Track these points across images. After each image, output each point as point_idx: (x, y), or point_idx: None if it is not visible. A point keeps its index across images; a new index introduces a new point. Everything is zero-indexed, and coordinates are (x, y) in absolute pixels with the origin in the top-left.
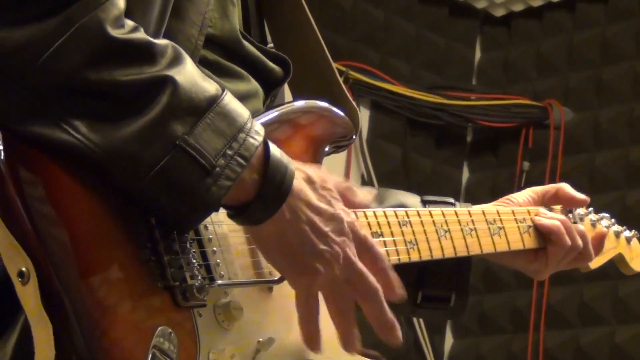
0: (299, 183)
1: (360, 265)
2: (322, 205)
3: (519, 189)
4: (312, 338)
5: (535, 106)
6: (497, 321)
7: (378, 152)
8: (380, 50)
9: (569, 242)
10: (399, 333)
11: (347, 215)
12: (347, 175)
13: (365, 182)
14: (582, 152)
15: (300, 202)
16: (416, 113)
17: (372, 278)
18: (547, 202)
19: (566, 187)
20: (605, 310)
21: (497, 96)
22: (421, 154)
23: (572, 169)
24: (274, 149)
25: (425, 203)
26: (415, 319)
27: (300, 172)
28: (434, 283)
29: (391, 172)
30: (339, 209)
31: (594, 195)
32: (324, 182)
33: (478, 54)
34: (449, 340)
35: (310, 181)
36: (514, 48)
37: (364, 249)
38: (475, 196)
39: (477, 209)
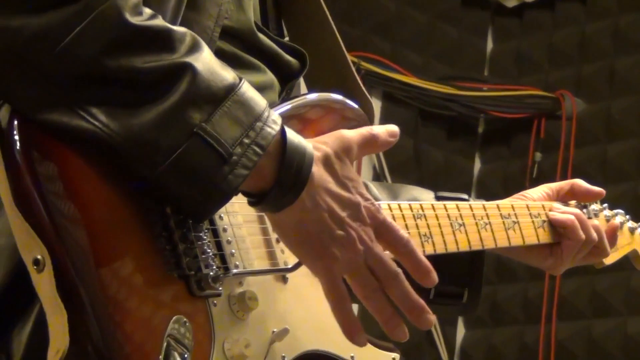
0: (318, 170)
1: (378, 249)
2: (341, 191)
3: (531, 179)
4: (349, 326)
5: (547, 97)
6: (510, 312)
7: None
8: (392, 41)
9: (583, 236)
10: (430, 316)
11: (365, 199)
12: (358, 166)
13: (377, 173)
14: (594, 143)
15: (320, 189)
16: (428, 104)
17: (390, 262)
18: (562, 198)
19: (580, 182)
20: (618, 301)
21: (509, 87)
22: (433, 145)
23: (584, 160)
24: (292, 136)
25: (439, 199)
26: None
27: (319, 154)
28: (447, 279)
29: (403, 163)
30: (357, 193)
31: (606, 186)
32: (343, 160)
33: (490, 45)
34: (461, 331)
35: (329, 164)
36: (526, 39)
37: (384, 232)
38: (487, 187)
39: (491, 203)
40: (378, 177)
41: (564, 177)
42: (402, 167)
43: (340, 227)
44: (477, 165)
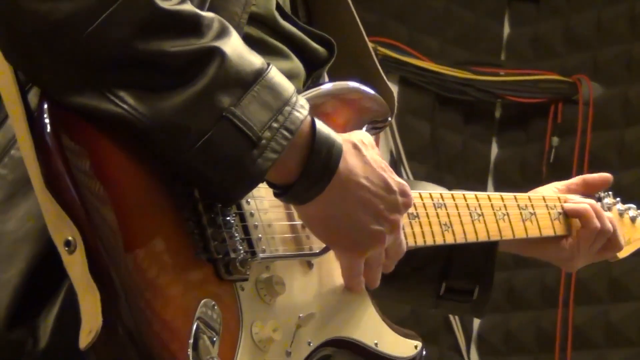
0: (347, 163)
1: (402, 236)
2: (375, 181)
3: (548, 164)
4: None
5: (564, 82)
6: (527, 297)
7: (406, 128)
8: (408, 26)
9: (598, 224)
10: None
11: (400, 187)
12: None
13: (394, 158)
14: (611, 127)
15: (350, 183)
16: (445, 89)
17: (405, 245)
18: (572, 192)
19: (588, 175)
20: (635, 286)
21: (526, 71)
22: (450, 130)
23: (601, 145)
24: (321, 126)
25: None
26: None
27: (350, 145)
28: (459, 275)
29: (420, 148)
30: (394, 182)
31: (623, 170)
32: (373, 147)
33: (507, 29)
34: None
35: (360, 154)
36: (543, 23)
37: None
38: (504, 172)
39: (509, 195)
40: (395, 162)
41: (581, 162)
42: (419, 152)
43: (376, 221)
44: (494, 150)
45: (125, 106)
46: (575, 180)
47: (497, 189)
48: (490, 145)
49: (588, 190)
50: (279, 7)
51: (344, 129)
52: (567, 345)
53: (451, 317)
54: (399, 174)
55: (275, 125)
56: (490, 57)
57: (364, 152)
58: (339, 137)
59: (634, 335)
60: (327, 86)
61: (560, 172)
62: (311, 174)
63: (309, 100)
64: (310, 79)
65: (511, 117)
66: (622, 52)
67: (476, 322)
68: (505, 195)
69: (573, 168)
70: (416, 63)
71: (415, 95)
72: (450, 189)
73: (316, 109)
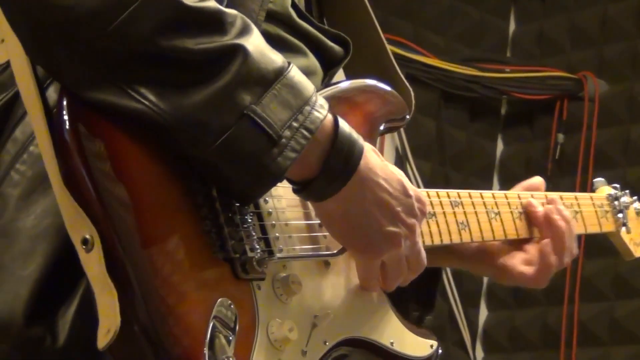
0: (368, 161)
1: (421, 245)
2: (394, 184)
3: (553, 161)
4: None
5: (569, 78)
6: (532, 293)
7: (412, 125)
8: (414, 23)
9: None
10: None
11: (416, 193)
12: (381, 148)
13: (400, 155)
14: (617, 124)
15: (369, 181)
16: (450, 85)
17: (425, 257)
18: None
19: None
20: None
21: (531, 68)
22: (455, 127)
23: (606, 142)
24: (343, 124)
25: None
26: (449, 291)
27: (369, 146)
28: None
29: (425, 144)
30: (410, 188)
31: (629, 167)
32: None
33: (512, 26)
34: (483, 313)
35: (380, 157)
36: (549, 20)
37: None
38: (509, 169)
39: (525, 193)
40: (401, 158)
41: (586, 159)
42: (425, 148)
43: (393, 222)
44: (500, 146)
45: (146, 102)
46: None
47: (503, 185)
48: (496, 142)
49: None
50: (294, 5)
51: (362, 126)
52: (572, 342)
53: (456, 313)
54: (405, 171)
55: (295, 124)
56: (496, 54)
57: (381, 157)
58: (360, 137)
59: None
60: (345, 84)
61: (565, 168)
62: (332, 170)
63: (328, 97)
64: (327, 77)
65: (517, 113)
66: (627, 48)
67: (482, 318)
68: (522, 193)
69: (578, 165)
70: (422, 60)
71: (420, 92)
72: (455, 186)
73: (335, 107)
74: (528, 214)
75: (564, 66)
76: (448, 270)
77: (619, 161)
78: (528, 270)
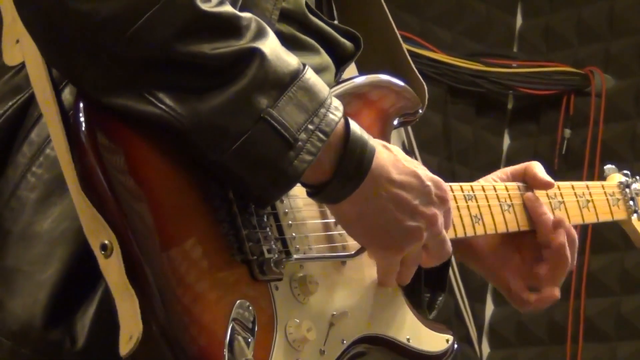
0: (379, 160)
1: (444, 233)
2: (408, 177)
3: (560, 156)
4: None
5: (576, 73)
6: None
7: (419, 120)
8: (421, 18)
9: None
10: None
11: (433, 181)
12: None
13: (406, 150)
14: (624, 119)
15: (382, 179)
16: (457, 80)
17: (449, 245)
18: (518, 180)
19: (534, 166)
20: None
21: (538, 63)
22: (462, 122)
23: (613, 137)
24: (354, 126)
25: None
26: (456, 286)
27: (381, 146)
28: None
29: (432, 139)
30: (426, 177)
31: (636, 162)
32: (404, 154)
33: (519, 21)
34: (489, 308)
35: (391, 153)
36: (555, 15)
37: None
38: (516, 164)
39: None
40: (407, 153)
41: (593, 154)
42: (431, 143)
43: (412, 217)
44: (506, 141)
45: (163, 107)
46: (521, 169)
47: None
48: (503, 137)
49: (529, 184)
50: (306, 3)
51: (376, 122)
52: (578, 337)
53: (462, 308)
54: None
55: (310, 127)
56: (503, 49)
57: (394, 151)
58: (371, 138)
59: None
60: (360, 80)
61: (572, 163)
62: (345, 172)
63: (342, 94)
64: (339, 73)
65: (523, 108)
66: (634, 43)
67: (488, 313)
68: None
69: (585, 160)
70: (428, 55)
71: (427, 87)
72: (462, 181)
73: (354, 98)
74: (535, 216)
75: (571, 61)
76: (454, 265)
77: (626, 156)
78: (531, 298)
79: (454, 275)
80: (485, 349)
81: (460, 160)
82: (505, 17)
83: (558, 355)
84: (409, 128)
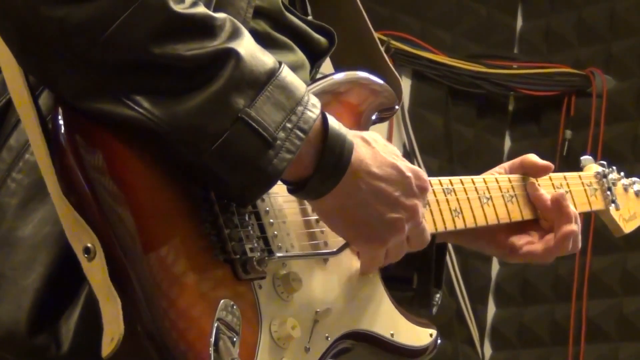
0: (358, 154)
1: (424, 223)
2: (387, 169)
3: (561, 157)
4: None
5: (577, 74)
6: (540, 290)
7: (419, 121)
8: (421, 19)
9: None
10: None
11: (413, 172)
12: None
13: (407, 151)
14: (625, 120)
15: (361, 173)
16: (458, 82)
17: (428, 234)
18: (514, 173)
19: (530, 156)
20: None
21: (538, 64)
22: (463, 123)
23: (614, 138)
24: (333, 122)
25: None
26: (457, 288)
27: (359, 139)
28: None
29: (433, 141)
30: (406, 168)
31: (637, 163)
32: (385, 144)
33: (520, 22)
34: (491, 309)
35: (370, 147)
36: (556, 16)
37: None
38: None
39: (516, 176)
40: (408, 155)
41: (594, 155)
42: (432, 145)
43: (393, 209)
44: (507, 143)
45: (141, 110)
46: (517, 162)
47: None
48: (504, 139)
49: (530, 175)
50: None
51: (354, 118)
52: (580, 338)
53: (464, 309)
54: None
55: (289, 125)
56: (503, 50)
57: (373, 144)
58: (349, 132)
59: None
60: (339, 76)
61: (573, 165)
62: (325, 168)
63: (321, 91)
64: (314, 70)
65: (524, 110)
66: (635, 44)
67: (490, 314)
68: (512, 176)
69: None
70: (429, 56)
71: (428, 89)
72: None
73: (332, 95)
74: (532, 197)
75: (572, 62)
76: (456, 267)
77: (627, 157)
78: (535, 248)
79: (456, 277)
80: (488, 350)
81: (461, 162)
82: (506, 18)
83: (560, 356)
84: (410, 130)
